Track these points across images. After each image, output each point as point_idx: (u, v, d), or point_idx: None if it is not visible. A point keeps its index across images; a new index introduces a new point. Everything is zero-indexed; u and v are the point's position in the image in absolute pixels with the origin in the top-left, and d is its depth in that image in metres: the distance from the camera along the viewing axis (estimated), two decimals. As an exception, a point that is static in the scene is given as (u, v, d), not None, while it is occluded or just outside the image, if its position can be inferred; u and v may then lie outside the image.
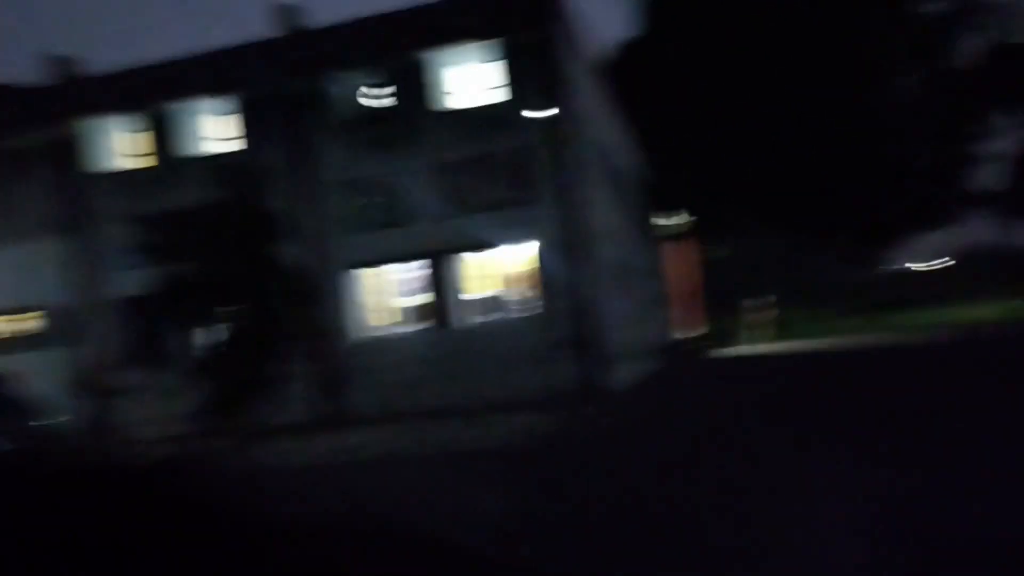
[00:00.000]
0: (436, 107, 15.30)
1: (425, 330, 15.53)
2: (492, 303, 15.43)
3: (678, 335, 23.42)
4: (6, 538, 1.41)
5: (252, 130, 15.96)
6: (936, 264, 55.46)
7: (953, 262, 56.97)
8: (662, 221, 26.28)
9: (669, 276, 26.87)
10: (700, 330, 24.52)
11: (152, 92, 16.00)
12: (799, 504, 6.00)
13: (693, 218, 26.32)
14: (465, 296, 15.51)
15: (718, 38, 25.49)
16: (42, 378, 15.56)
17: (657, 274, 24.06)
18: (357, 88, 15.84)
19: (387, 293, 15.84)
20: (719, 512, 6.08)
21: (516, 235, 14.93)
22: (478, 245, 15.21)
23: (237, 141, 16.01)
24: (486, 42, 14.97)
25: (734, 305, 27.74)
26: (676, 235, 26.97)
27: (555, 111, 14.69)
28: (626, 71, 25.36)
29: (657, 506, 6.48)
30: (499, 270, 15.48)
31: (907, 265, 54.92)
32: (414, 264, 15.58)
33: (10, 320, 16.98)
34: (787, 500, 6.18)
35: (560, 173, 14.73)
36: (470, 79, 15.48)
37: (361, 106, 15.89)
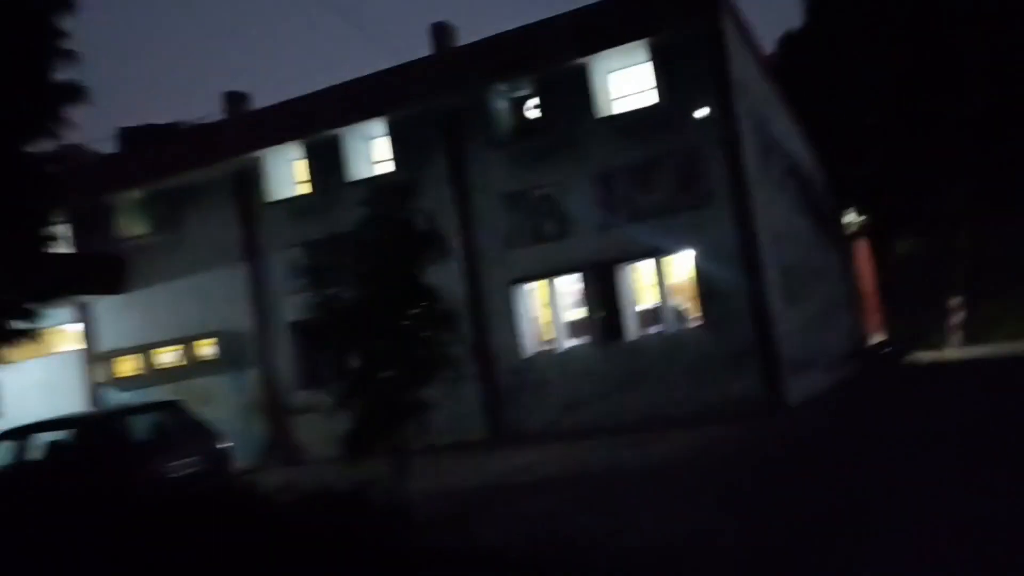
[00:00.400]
0: (598, 113, 14.76)
1: (592, 344, 15.02)
2: (662, 314, 14.72)
3: (867, 340, 21.80)
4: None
5: (411, 150, 16.02)
6: None
7: None
8: (846, 219, 24.67)
9: (862, 277, 25.22)
10: (883, 334, 22.72)
11: (314, 119, 16.42)
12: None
13: (869, 215, 24.49)
14: (633, 307, 14.90)
15: (887, 26, 23.61)
16: (219, 402, 16.33)
17: (843, 276, 22.51)
18: (515, 99, 15.62)
19: (553, 307, 15.45)
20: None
21: (684, 242, 14.17)
22: (645, 254, 14.59)
23: (395, 162, 16.13)
24: (648, 40, 14.30)
25: (920, 307, 25.53)
26: (868, 234, 25.25)
27: (723, 109, 13.88)
28: (794, 64, 23.99)
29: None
30: (668, 280, 14.77)
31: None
32: (578, 276, 15.12)
33: (188, 347, 17.87)
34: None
35: (729, 174, 13.89)
36: (633, 81, 14.90)
37: (520, 117, 15.64)
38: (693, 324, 14.54)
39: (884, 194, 23.84)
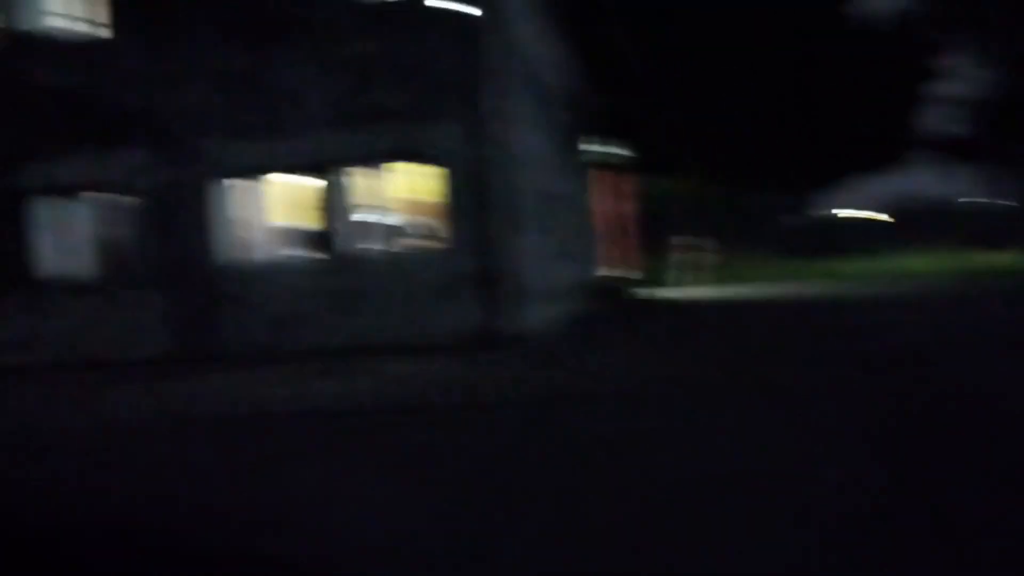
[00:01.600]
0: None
1: (310, 256, 13.21)
2: (392, 230, 13.15)
3: (610, 274, 21.46)
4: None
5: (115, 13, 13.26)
6: (867, 214, 54.75)
7: (884, 213, 56.33)
8: (597, 149, 24.09)
9: (603, 210, 24.88)
10: (634, 271, 22.64)
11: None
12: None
13: (630, 150, 24.14)
14: (359, 218, 13.18)
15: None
16: None
17: (586, 207, 21.91)
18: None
19: (266, 211, 13.41)
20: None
21: (423, 152, 12.60)
22: (377, 160, 12.88)
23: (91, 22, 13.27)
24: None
25: (671, 246, 25.96)
26: (612, 166, 24.84)
27: (478, 10, 12.29)
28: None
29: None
30: (401, 192, 13.18)
31: (838, 213, 54.26)
32: (299, 178, 13.18)
33: None
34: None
35: (479, 84, 12.39)
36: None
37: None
38: (428, 244, 13.11)
39: (646, 131, 23.57)
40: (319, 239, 13.21)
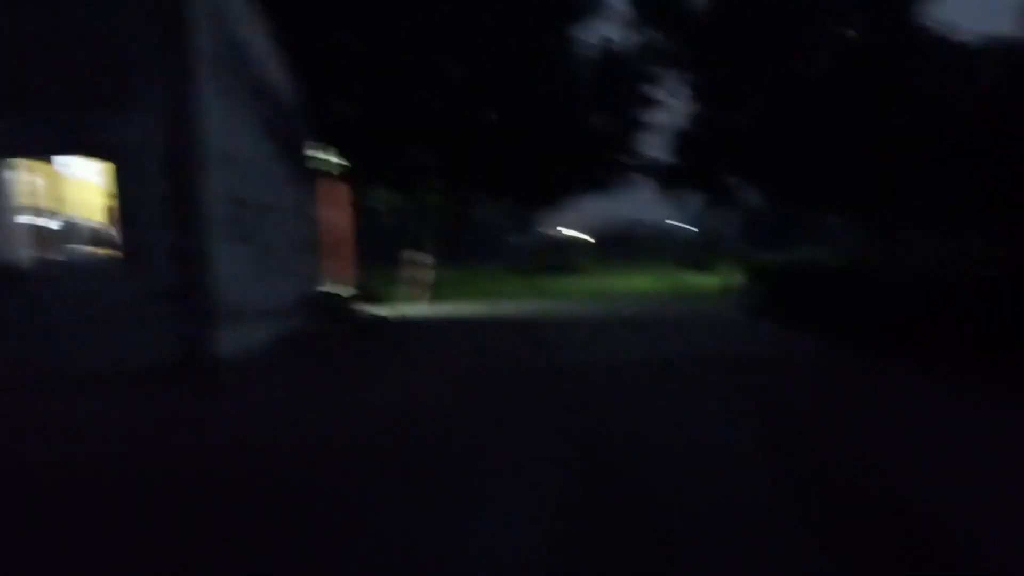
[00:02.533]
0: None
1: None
2: (69, 236, 11.23)
3: (333, 291, 20.28)
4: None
5: None
6: (577, 234, 57.99)
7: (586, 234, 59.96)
8: (323, 157, 22.84)
9: (328, 223, 23.67)
10: (349, 287, 21.61)
11: None
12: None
13: (352, 160, 23.16)
14: (26, 221, 11.09)
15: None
16: None
17: (309, 218, 20.61)
18: None
19: None
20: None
21: (98, 146, 10.85)
22: (42, 152, 10.94)
23: None
24: None
25: (390, 261, 25.26)
26: (337, 176, 23.72)
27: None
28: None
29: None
30: (75, 192, 11.31)
31: (560, 231, 56.90)
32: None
33: None
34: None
35: (169, 66, 10.86)
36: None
37: None
38: (106, 254, 11.33)
39: (363, 140, 22.68)
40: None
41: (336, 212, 23.82)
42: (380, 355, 13.02)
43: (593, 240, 59.33)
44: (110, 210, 11.14)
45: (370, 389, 9.44)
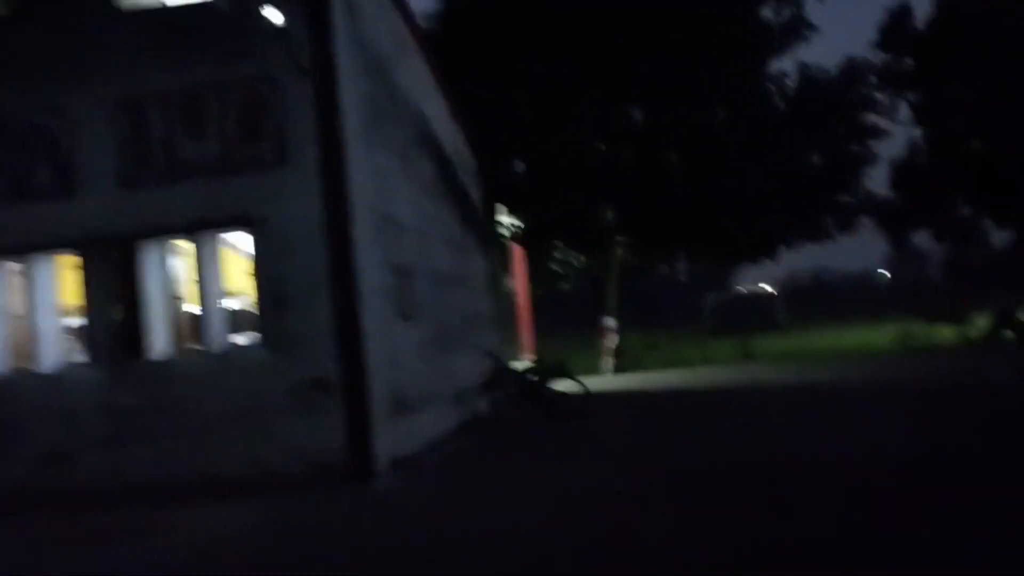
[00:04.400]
0: (120, 1, 9.63)
1: (96, 362, 9.68)
2: (207, 322, 9.77)
3: (524, 365, 18.25)
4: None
5: None
6: (764, 289, 53.48)
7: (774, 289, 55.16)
8: (500, 220, 21.22)
9: (509, 288, 21.96)
10: (532, 359, 19.60)
11: None
12: None
13: (523, 219, 21.32)
14: (164, 309, 9.76)
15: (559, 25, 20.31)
16: None
17: (490, 285, 18.82)
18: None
19: (34, 303, 9.88)
20: None
21: (243, 215, 9.39)
22: (184, 229, 9.59)
23: None
24: None
25: (600, 329, 22.94)
26: (513, 239, 22.02)
27: (313, 20, 9.29)
28: (455, 30, 20.25)
29: None
30: (218, 270, 9.88)
31: (759, 287, 52.66)
32: (78, 256, 9.73)
33: None
34: None
35: (315, 120, 9.31)
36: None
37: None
38: (250, 340, 9.79)
39: (539, 197, 20.81)
40: (119, 339, 9.71)
41: (520, 277, 22.05)
42: (570, 445, 10.69)
43: (777, 293, 54.80)
44: (252, 287, 9.62)
45: (559, 497, 7.14)
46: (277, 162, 9.41)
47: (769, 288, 54.58)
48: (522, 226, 21.41)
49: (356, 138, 9.71)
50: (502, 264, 20.96)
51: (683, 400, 15.37)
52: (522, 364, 18.20)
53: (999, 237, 24.73)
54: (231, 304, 10.08)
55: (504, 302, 20.43)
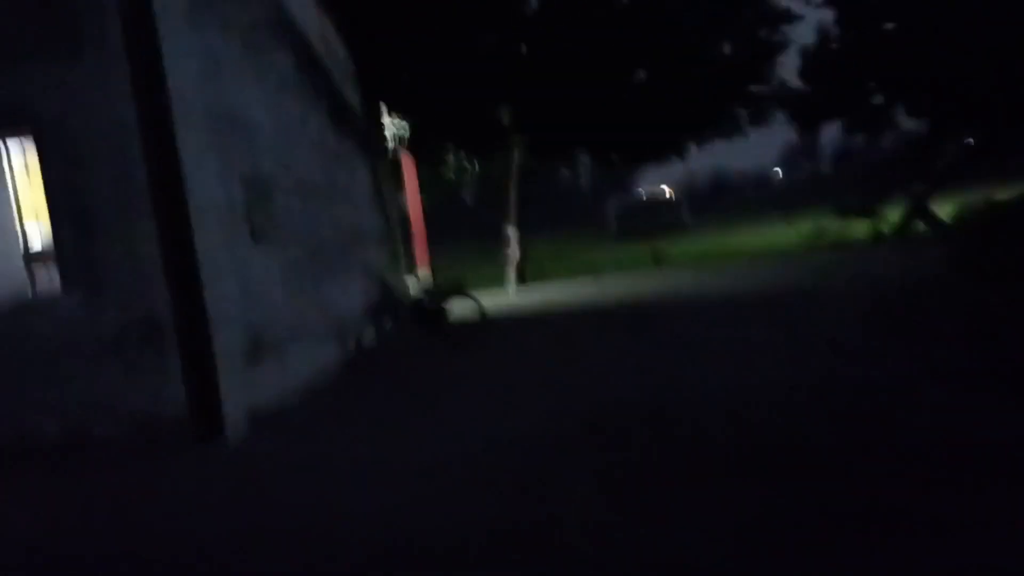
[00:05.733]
0: None
1: None
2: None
3: (399, 286, 16.53)
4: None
5: None
6: (666, 191, 52.78)
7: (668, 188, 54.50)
8: (390, 123, 19.08)
9: (400, 201, 20.04)
10: (425, 276, 17.89)
11: None
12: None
13: (411, 122, 19.23)
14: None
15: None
16: None
17: (376, 198, 16.81)
18: None
19: None
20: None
21: (30, 117, 7.25)
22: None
23: None
24: None
25: (467, 240, 21.28)
26: (403, 146, 19.95)
27: None
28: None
29: None
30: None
31: (661, 190, 51.80)
32: None
33: None
34: None
35: (133, 6, 7.13)
36: None
37: None
38: (48, 281, 7.75)
39: (424, 98, 18.70)
40: None
41: (412, 188, 20.09)
42: (459, 381, 9.10)
43: (679, 195, 54.10)
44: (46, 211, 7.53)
45: (437, 454, 5.58)
46: (70, 43, 7.25)
47: (670, 190, 53.84)
48: (409, 130, 19.34)
49: (175, 16, 7.59)
50: (390, 173, 18.92)
51: (593, 317, 13.95)
52: (415, 284, 16.49)
53: (911, 126, 23.77)
54: (33, 232, 7.96)
55: (393, 216, 18.48)
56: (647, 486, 4.54)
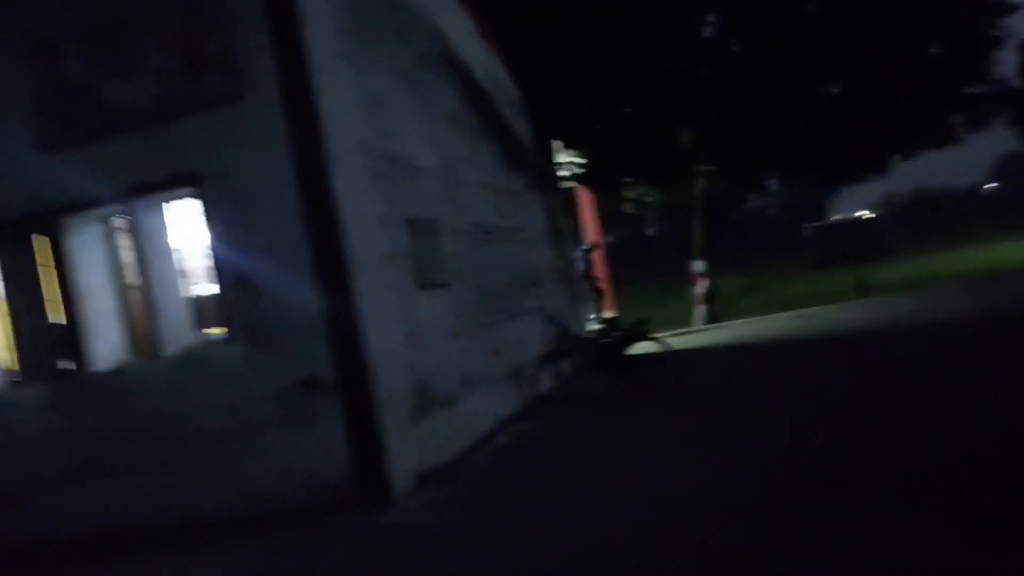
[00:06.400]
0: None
1: (29, 381, 7.62)
2: (161, 316, 7.56)
3: (600, 325, 15.74)
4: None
5: None
6: (863, 215, 49.05)
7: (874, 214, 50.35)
8: (559, 158, 18.48)
9: (575, 238, 19.37)
10: (609, 316, 16.98)
11: None
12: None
13: (585, 155, 18.44)
14: (101, 306, 7.60)
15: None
16: None
17: (554, 237, 16.19)
18: None
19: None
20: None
21: (189, 173, 7.10)
22: (115, 198, 7.36)
23: None
24: None
25: (691, 275, 20.10)
26: (575, 179, 19.28)
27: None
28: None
29: None
30: (166, 248, 7.65)
31: (859, 215, 48.25)
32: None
33: None
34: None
35: (274, 40, 6.89)
36: None
37: None
38: (215, 335, 7.54)
39: (599, 129, 17.87)
40: (51, 347, 7.64)
41: (589, 223, 19.37)
42: (655, 428, 8.09)
43: (876, 217, 50.00)
44: (207, 269, 7.34)
45: (644, 510, 4.63)
46: (229, 96, 7.05)
47: (869, 213, 50.19)
48: (585, 163, 18.63)
49: (331, 55, 7.27)
50: (566, 210, 18.26)
51: (796, 354, 12.53)
52: (596, 325, 15.64)
53: None
54: (197, 291, 7.84)
55: (571, 254, 17.75)
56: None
